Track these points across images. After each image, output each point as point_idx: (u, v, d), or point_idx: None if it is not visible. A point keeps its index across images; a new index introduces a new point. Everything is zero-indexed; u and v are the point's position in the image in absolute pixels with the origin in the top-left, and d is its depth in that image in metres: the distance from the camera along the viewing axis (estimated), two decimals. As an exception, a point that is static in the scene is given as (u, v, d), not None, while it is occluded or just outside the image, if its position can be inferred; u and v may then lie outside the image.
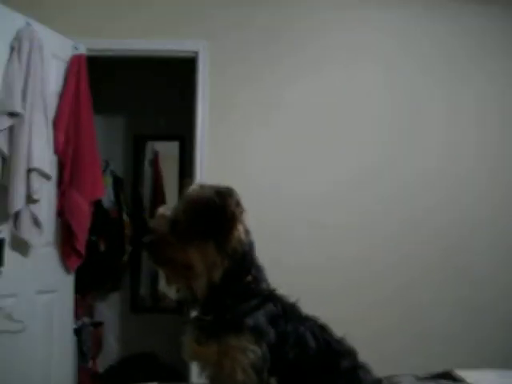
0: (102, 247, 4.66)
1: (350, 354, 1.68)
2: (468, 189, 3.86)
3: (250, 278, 1.56)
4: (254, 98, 3.87)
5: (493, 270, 3.83)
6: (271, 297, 1.60)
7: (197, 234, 1.50)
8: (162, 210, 1.59)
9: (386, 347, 3.61)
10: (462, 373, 2.29)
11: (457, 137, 3.89)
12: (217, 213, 1.50)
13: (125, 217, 4.91)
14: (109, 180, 4.83)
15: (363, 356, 1.70)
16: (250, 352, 1.47)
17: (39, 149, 3.19)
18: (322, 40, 3.92)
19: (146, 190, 5.29)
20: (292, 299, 1.64)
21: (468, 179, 3.87)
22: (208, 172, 3.76)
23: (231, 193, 1.54)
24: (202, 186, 1.57)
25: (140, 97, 5.12)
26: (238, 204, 1.53)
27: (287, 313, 1.59)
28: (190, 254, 1.50)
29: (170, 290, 5.04)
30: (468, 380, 2.18)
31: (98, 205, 4.19)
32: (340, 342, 1.67)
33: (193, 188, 1.58)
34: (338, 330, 1.68)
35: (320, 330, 1.64)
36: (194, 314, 1.57)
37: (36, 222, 3.24)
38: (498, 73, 3.93)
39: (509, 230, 3.87)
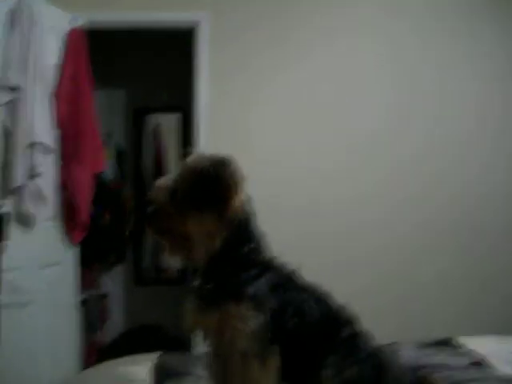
0: (106, 220, 4.68)
1: (351, 322, 1.69)
2: (471, 153, 3.84)
3: (250, 246, 1.57)
4: (257, 71, 3.84)
5: (505, 237, 3.84)
6: (271, 266, 1.60)
7: (194, 203, 1.51)
8: (161, 180, 1.59)
9: (394, 317, 3.66)
10: (462, 339, 2.31)
11: (459, 105, 3.86)
12: (212, 183, 1.51)
13: (127, 189, 4.92)
14: (111, 153, 4.83)
15: (367, 325, 1.72)
16: (250, 320, 1.48)
17: (41, 122, 3.19)
18: (329, 14, 3.87)
19: (148, 163, 5.29)
20: (292, 267, 1.65)
21: (470, 144, 3.85)
22: (209, 144, 3.75)
23: (227, 162, 1.54)
24: (200, 156, 1.57)
25: (141, 69, 5.09)
26: (234, 173, 1.53)
27: (287, 282, 1.61)
28: (187, 224, 1.51)
29: (173, 262, 5.09)
30: (468, 346, 2.20)
31: (99, 178, 4.19)
32: (340, 310, 1.69)
33: (191, 158, 1.58)
34: (342, 300, 1.70)
35: (320, 298, 1.66)
36: (195, 283, 1.58)
37: (40, 196, 3.24)
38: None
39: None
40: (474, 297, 3.78)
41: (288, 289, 1.60)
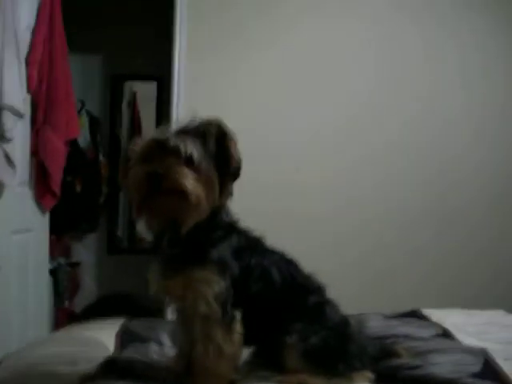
0: (78, 188, 4.64)
1: (319, 289, 1.70)
2: (455, 133, 3.83)
3: (219, 210, 1.55)
4: (238, 40, 3.77)
5: (484, 215, 3.85)
6: (235, 229, 1.59)
7: (212, 169, 1.47)
8: (155, 135, 1.50)
9: (378, 294, 3.68)
10: (427, 311, 2.33)
11: (443, 85, 3.84)
12: (225, 143, 1.50)
13: (101, 158, 4.87)
14: (85, 120, 4.77)
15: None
16: (213, 284, 1.47)
17: (11, 86, 3.11)
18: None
19: (124, 131, 5.24)
20: (257, 233, 1.64)
21: (454, 123, 3.84)
22: (186, 114, 3.70)
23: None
24: (203, 118, 1.53)
25: (119, 36, 5.00)
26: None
27: (251, 245, 1.60)
28: (201, 188, 1.44)
29: (146, 232, 5.06)
30: (433, 318, 2.23)
31: (73, 145, 4.14)
32: (308, 277, 1.69)
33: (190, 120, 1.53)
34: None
35: (286, 264, 1.66)
36: (161, 249, 1.55)
37: (9, 162, 3.19)
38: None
39: (498, 174, 3.87)
40: (456, 272, 3.81)
41: (254, 252, 1.59)
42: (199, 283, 1.47)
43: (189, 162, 1.44)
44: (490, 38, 3.86)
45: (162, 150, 1.45)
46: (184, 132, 1.49)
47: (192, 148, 1.45)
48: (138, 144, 1.50)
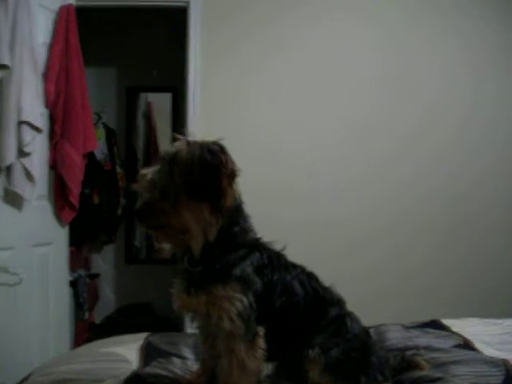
0: (96, 200, 4.67)
1: (338, 302, 1.71)
2: (466, 137, 3.84)
3: (237, 228, 1.56)
4: (250, 49, 3.81)
5: (497, 220, 3.85)
6: (257, 246, 1.60)
7: (191, 196, 1.44)
8: (144, 171, 1.53)
9: (391, 301, 3.69)
10: (447, 321, 2.33)
11: (452, 86, 3.85)
12: (212, 172, 1.45)
13: (118, 169, 4.91)
14: (101, 132, 4.81)
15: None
16: (236, 301, 1.49)
17: (29, 102, 3.17)
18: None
19: (140, 142, 5.28)
20: (278, 247, 1.65)
21: (464, 126, 3.85)
22: (201, 124, 3.73)
23: (223, 149, 1.49)
24: (188, 143, 1.48)
25: (132, 48, 5.05)
26: (230, 159, 1.49)
27: (273, 262, 1.61)
28: (185, 218, 1.45)
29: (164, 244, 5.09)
30: (453, 329, 2.22)
31: (90, 157, 4.18)
32: (328, 289, 1.70)
33: (180, 145, 1.49)
34: (333, 284, 1.71)
35: (307, 278, 1.67)
36: (183, 266, 1.57)
37: (28, 176, 3.23)
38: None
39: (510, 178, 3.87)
40: (468, 280, 3.81)
41: (275, 268, 1.60)
42: (223, 301, 1.49)
43: (169, 195, 1.46)
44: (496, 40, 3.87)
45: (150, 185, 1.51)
46: (186, 163, 1.47)
47: (163, 180, 1.47)
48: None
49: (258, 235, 1.63)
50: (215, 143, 1.49)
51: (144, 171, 1.52)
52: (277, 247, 1.66)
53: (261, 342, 1.52)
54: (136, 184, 1.54)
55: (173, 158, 1.47)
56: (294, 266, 1.67)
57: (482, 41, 3.86)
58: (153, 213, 1.47)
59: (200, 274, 1.53)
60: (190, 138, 1.51)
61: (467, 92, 3.85)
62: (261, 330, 1.53)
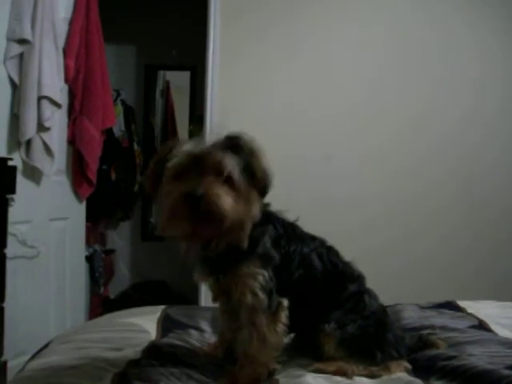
0: (113, 176, 4.70)
1: (358, 278, 1.71)
2: (478, 120, 3.81)
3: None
4: (272, 29, 3.78)
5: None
6: (271, 217, 1.58)
7: (253, 184, 1.43)
8: (192, 148, 1.41)
9: (407, 282, 3.69)
10: (462, 303, 2.34)
11: (458, 81, 3.82)
12: (266, 161, 1.46)
13: (136, 146, 4.93)
14: (120, 109, 4.82)
15: (381, 292, 1.74)
16: (258, 276, 1.49)
17: (49, 77, 3.18)
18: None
19: (157, 120, 5.29)
20: (291, 218, 1.65)
21: (477, 109, 3.82)
22: (219, 103, 3.73)
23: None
24: (234, 133, 1.46)
25: (152, 26, 5.05)
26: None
27: (288, 232, 1.60)
28: (248, 205, 1.41)
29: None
30: (469, 310, 2.23)
31: (108, 134, 4.21)
32: (348, 265, 1.71)
33: (235, 135, 1.46)
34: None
35: (326, 252, 1.67)
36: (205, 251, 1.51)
37: (47, 150, 3.26)
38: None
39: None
40: (483, 263, 3.80)
41: (291, 239, 1.60)
42: (246, 277, 1.49)
43: (228, 180, 1.38)
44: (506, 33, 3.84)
45: (198, 166, 1.38)
46: (219, 147, 1.43)
47: (233, 166, 1.39)
48: (172, 158, 1.41)
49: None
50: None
51: (192, 148, 1.41)
52: (289, 217, 1.65)
53: (283, 316, 1.53)
54: (179, 160, 1.40)
55: (237, 147, 1.44)
56: (313, 238, 1.67)
57: (489, 23, 3.83)
58: (214, 195, 1.35)
59: (224, 257, 1.50)
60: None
61: (484, 70, 3.83)
62: (285, 301, 1.54)
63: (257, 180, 1.45)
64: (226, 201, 1.36)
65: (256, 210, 1.45)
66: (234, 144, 1.44)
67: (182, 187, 1.36)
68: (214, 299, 1.62)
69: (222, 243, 1.44)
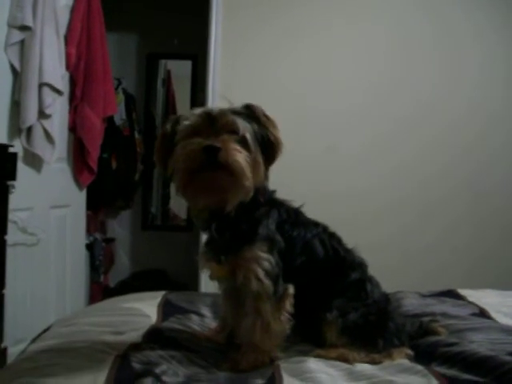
0: (114, 165, 4.70)
1: (360, 265, 1.71)
2: (479, 113, 3.81)
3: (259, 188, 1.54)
4: (273, 19, 3.78)
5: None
6: (275, 202, 1.60)
7: (262, 149, 1.49)
8: (222, 111, 1.47)
9: (408, 273, 3.69)
10: (463, 291, 2.34)
11: (459, 72, 3.82)
12: (277, 130, 1.53)
13: (137, 135, 4.92)
14: (121, 98, 4.81)
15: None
16: (263, 261, 1.49)
17: (51, 64, 3.17)
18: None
19: (158, 109, 5.28)
20: (296, 203, 1.66)
21: (481, 99, 3.82)
22: (220, 92, 3.72)
23: None
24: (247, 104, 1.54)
25: (153, 14, 5.03)
26: None
27: (291, 217, 1.61)
28: (253, 167, 1.45)
29: (179, 209, 5.15)
30: (469, 298, 2.23)
31: (109, 122, 4.20)
32: (350, 252, 1.70)
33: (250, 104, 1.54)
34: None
35: (329, 238, 1.67)
36: (209, 235, 1.56)
37: (48, 138, 3.25)
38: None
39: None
40: (483, 254, 3.80)
41: (294, 224, 1.60)
42: (250, 262, 1.49)
43: (241, 141, 1.44)
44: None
45: (214, 126, 1.44)
46: (233, 112, 1.48)
47: (246, 127, 1.45)
48: (188, 117, 1.48)
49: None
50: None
51: (205, 109, 1.49)
52: (294, 205, 1.66)
53: (288, 304, 1.53)
54: (193, 120, 1.47)
55: (253, 111, 1.52)
56: (316, 224, 1.67)
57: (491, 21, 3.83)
58: (230, 150, 1.41)
59: (229, 240, 1.52)
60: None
61: (485, 64, 3.83)
62: (290, 288, 1.54)
63: (269, 147, 1.50)
64: (241, 156, 1.42)
65: (262, 176, 1.50)
66: (248, 111, 1.51)
67: (200, 141, 1.42)
68: (211, 278, 1.62)
69: (233, 201, 1.47)
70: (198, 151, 1.41)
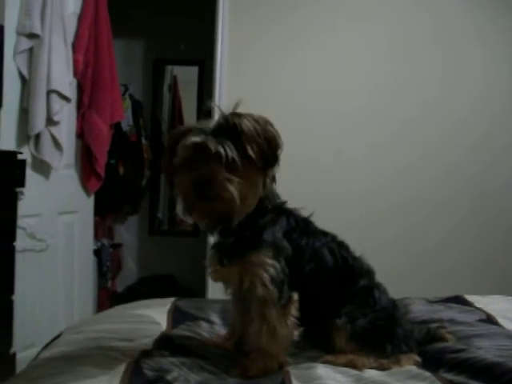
0: (121, 171, 4.72)
1: (368, 273, 1.72)
2: (484, 114, 3.83)
3: (264, 194, 1.55)
4: (279, 25, 3.79)
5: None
6: (284, 210, 1.61)
7: (254, 166, 1.46)
8: (195, 139, 1.46)
9: (414, 277, 3.70)
10: (470, 297, 2.34)
11: (464, 72, 3.84)
12: (274, 143, 1.49)
13: (144, 141, 4.94)
14: (128, 104, 4.83)
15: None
16: (269, 267, 1.50)
17: (58, 71, 3.20)
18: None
19: (165, 115, 5.30)
20: (305, 213, 1.66)
21: (485, 100, 3.84)
22: (227, 98, 3.73)
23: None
24: (240, 115, 1.48)
25: (160, 20, 5.05)
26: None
27: (300, 226, 1.62)
28: (248, 187, 1.46)
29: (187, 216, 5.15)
30: (477, 305, 2.24)
31: (117, 128, 4.22)
32: (358, 260, 1.71)
33: (234, 119, 1.47)
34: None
35: (337, 247, 1.68)
36: (215, 239, 1.59)
37: (56, 144, 3.28)
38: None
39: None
40: (488, 257, 3.81)
41: (303, 233, 1.61)
42: (256, 267, 1.51)
43: (231, 164, 1.44)
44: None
45: (203, 154, 1.44)
46: (220, 131, 1.46)
47: (232, 151, 1.43)
48: (180, 147, 1.48)
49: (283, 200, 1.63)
50: (263, 117, 1.52)
51: (194, 139, 1.46)
52: (304, 213, 1.67)
53: (293, 309, 1.54)
54: (185, 151, 1.47)
55: (235, 129, 1.46)
56: (325, 234, 1.68)
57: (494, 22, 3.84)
58: (219, 182, 1.42)
59: (233, 244, 1.54)
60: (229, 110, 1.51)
61: (490, 66, 3.84)
62: (295, 295, 1.55)
63: (266, 154, 1.47)
64: (233, 185, 1.43)
65: (261, 187, 1.50)
66: (232, 125, 1.46)
67: (189, 176, 1.45)
68: (213, 279, 1.63)
69: (236, 219, 1.49)
70: (189, 188, 1.45)
